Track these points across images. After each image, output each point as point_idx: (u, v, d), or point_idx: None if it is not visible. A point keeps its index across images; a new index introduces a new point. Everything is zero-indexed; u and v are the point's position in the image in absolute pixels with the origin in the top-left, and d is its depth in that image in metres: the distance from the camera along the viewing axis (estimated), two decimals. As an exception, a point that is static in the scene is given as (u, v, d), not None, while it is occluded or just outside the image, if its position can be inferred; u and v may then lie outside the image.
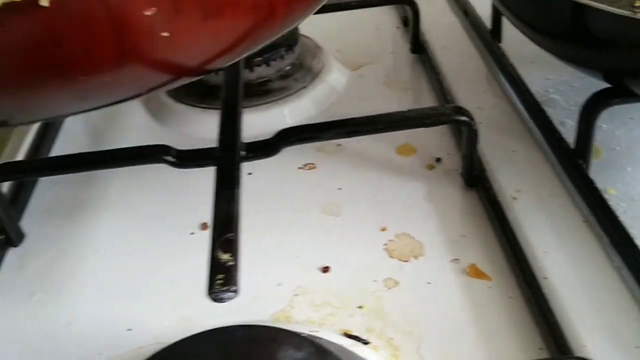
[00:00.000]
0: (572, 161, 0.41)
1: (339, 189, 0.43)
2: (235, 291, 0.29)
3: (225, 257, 0.31)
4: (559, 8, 0.37)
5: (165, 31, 0.24)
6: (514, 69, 0.51)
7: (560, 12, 0.38)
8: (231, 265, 0.30)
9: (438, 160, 0.45)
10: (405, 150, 0.46)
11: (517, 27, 0.43)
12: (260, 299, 0.36)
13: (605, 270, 0.35)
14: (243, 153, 0.37)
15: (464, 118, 0.39)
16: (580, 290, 0.34)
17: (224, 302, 0.29)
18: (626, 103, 0.39)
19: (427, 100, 0.51)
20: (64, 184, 0.46)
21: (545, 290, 0.34)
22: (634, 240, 0.35)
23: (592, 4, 0.34)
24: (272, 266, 0.38)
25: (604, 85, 0.39)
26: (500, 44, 0.54)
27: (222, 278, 0.30)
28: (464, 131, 0.40)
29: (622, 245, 0.35)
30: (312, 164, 0.46)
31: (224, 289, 0.29)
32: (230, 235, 0.32)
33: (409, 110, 0.39)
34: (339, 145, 0.47)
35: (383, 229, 0.40)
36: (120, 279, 0.39)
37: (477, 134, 0.40)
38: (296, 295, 0.36)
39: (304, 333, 0.31)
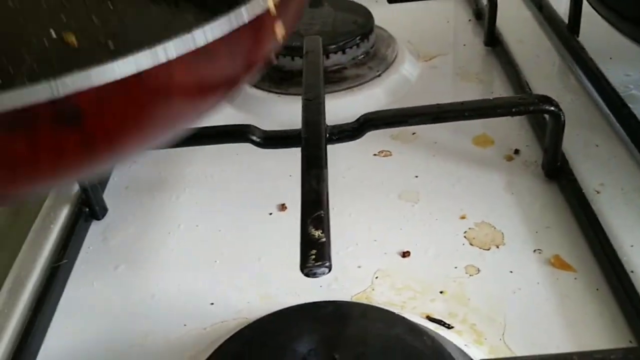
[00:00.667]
0: (658, 157, 0.40)
1: (416, 176, 0.43)
2: (328, 266, 0.30)
3: (317, 233, 0.31)
4: None
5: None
6: (593, 63, 0.50)
7: None
8: (323, 242, 0.31)
9: (516, 151, 0.44)
10: (481, 141, 0.46)
11: (604, 16, 0.43)
12: (340, 280, 0.36)
13: (697, 267, 0.34)
14: (327, 135, 0.37)
15: (552, 108, 0.39)
16: (671, 286, 0.33)
17: (317, 277, 0.29)
18: None
19: (501, 92, 0.51)
20: (143, 162, 0.47)
21: (635, 283, 0.33)
22: None
23: None
24: (352, 249, 0.38)
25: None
26: (578, 38, 0.53)
27: (314, 254, 0.30)
28: (549, 122, 0.39)
29: None
30: (387, 151, 0.46)
31: (318, 264, 0.30)
32: (320, 212, 0.32)
33: (496, 99, 0.39)
34: (414, 133, 0.47)
35: (463, 217, 0.40)
36: (201, 255, 0.39)
37: (564, 124, 0.39)
38: (377, 278, 0.36)
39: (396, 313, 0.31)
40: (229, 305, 0.36)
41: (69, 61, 0.30)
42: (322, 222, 0.32)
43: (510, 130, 0.46)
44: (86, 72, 0.17)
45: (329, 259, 0.30)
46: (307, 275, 0.30)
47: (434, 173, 0.43)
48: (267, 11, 0.22)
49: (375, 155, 0.46)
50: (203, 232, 0.41)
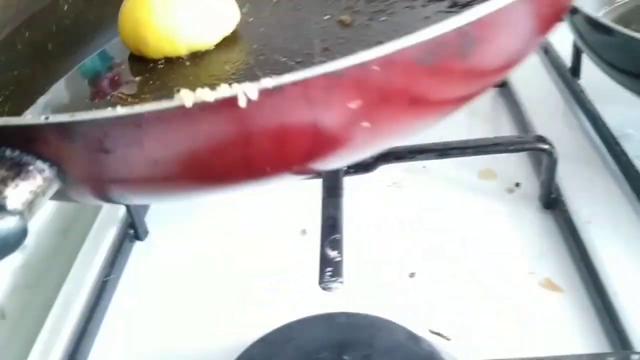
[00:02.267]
0: (644, 191, 0.44)
1: (425, 209, 0.48)
2: (341, 282, 0.35)
3: (333, 254, 0.36)
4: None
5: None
6: (591, 104, 0.54)
7: None
8: (338, 261, 0.36)
9: (517, 184, 0.49)
10: (486, 174, 0.50)
11: (599, 66, 0.47)
12: (355, 295, 0.41)
13: (672, 290, 0.38)
14: (345, 168, 0.42)
15: (545, 146, 0.43)
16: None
17: (332, 291, 0.34)
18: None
19: (506, 130, 0.55)
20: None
21: (616, 304, 0.37)
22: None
23: None
24: (367, 269, 0.43)
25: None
26: (579, 81, 0.58)
27: (330, 271, 0.35)
28: (544, 158, 0.44)
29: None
30: (399, 183, 0.51)
31: (332, 279, 0.35)
32: (336, 236, 0.37)
33: (496, 137, 0.44)
34: (424, 167, 0.52)
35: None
36: (231, 271, 0.44)
37: (556, 161, 0.44)
38: (387, 295, 0.41)
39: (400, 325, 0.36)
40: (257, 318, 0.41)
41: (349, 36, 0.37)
42: (338, 244, 0.37)
43: (513, 165, 0.50)
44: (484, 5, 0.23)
45: (342, 276, 0.35)
46: (324, 289, 0.35)
47: (441, 203, 0.48)
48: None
49: (389, 186, 0.51)
50: (231, 251, 0.46)
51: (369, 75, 0.22)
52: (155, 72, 0.38)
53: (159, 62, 0.38)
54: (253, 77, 0.23)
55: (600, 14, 0.56)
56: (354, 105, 0.23)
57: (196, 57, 0.38)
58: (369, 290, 0.41)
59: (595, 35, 0.44)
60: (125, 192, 0.29)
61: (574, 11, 0.45)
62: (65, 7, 0.47)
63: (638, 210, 0.44)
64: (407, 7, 0.39)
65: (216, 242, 0.47)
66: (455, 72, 0.26)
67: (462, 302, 0.40)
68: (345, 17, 0.40)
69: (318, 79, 0.21)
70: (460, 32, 0.23)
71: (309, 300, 0.41)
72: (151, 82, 0.37)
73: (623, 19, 0.56)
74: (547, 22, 0.32)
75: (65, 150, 0.25)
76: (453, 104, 0.29)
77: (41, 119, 0.23)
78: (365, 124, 0.24)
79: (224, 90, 0.21)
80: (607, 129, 0.51)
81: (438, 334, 0.38)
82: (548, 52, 0.64)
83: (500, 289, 0.40)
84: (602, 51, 0.46)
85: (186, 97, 0.21)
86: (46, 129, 0.24)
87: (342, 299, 0.40)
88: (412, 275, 0.42)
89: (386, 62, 0.22)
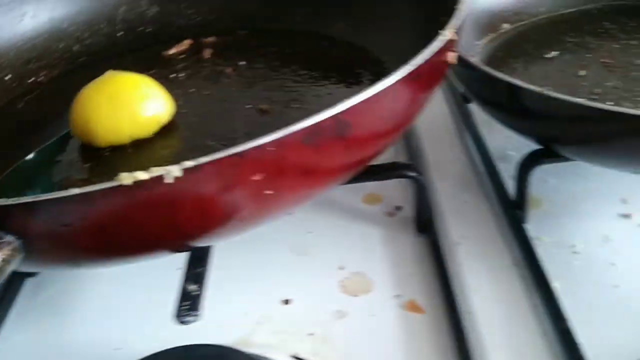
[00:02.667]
0: (510, 211, 0.47)
1: (309, 232, 0.50)
2: (197, 315, 0.36)
3: (192, 287, 0.38)
4: (498, 87, 0.43)
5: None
6: (476, 127, 0.57)
7: (500, 91, 0.43)
8: (196, 295, 0.37)
9: (398, 208, 0.51)
10: (370, 199, 0.52)
11: (472, 99, 0.50)
12: (226, 325, 0.42)
13: (524, 307, 0.40)
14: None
15: (413, 174, 0.45)
16: (498, 324, 0.39)
17: (188, 324, 0.36)
18: (554, 162, 0.44)
19: (398, 152, 0.57)
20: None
21: (467, 323, 0.39)
22: (549, 281, 0.40)
23: (523, 85, 0.39)
24: (242, 298, 0.44)
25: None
26: (468, 105, 0.60)
27: (187, 305, 0.36)
28: (413, 185, 0.46)
29: (539, 285, 0.40)
30: (289, 210, 0.52)
31: (188, 313, 0.36)
32: (199, 269, 0.39)
33: (369, 166, 0.45)
34: (315, 193, 0.53)
35: (341, 268, 0.46)
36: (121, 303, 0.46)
37: (424, 187, 0.46)
38: (259, 323, 0.42)
39: (255, 354, 0.37)
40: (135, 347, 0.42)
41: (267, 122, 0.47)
42: (200, 277, 0.38)
43: (395, 189, 0.52)
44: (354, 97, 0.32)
45: (198, 309, 0.36)
46: (180, 323, 0.36)
47: (325, 229, 0.50)
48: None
49: (278, 213, 0.52)
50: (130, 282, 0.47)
51: (265, 154, 0.30)
52: (102, 159, 0.45)
53: (106, 151, 0.45)
54: (186, 160, 0.29)
55: (485, 41, 0.59)
56: (257, 177, 0.31)
57: (138, 144, 0.45)
58: (241, 320, 0.43)
59: (458, 68, 0.46)
60: (80, 259, 0.36)
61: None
62: (21, 105, 0.56)
63: (504, 230, 0.46)
64: (314, 95, 0.50)
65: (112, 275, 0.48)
66: (336, 149, 0.34)
67: (328, 328, 0.41)
68: (264, 106, 0.49)
69: (227, 158, 0.29)
70: (334, 119, 0.32)
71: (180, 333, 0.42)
72: (99, 167, 0.44)
73: (505, 46, 0.59)
74: (418, 102, 0.37)
75: (29, 226, 0.30)
76: (342, 173, 0.38)
77: (9, 201, 0.29)
78: (268, 192, 0.32)
79: (155, 171, 0.28)
80: (487, 150, 0.53)
81: (301, 359, 0.39)
82: (445, 78, 0.66)
83: (366, 312, 0.42)
84: (471, 86, 0.48)
85: (125, 178, 0.28)
86: (13, 208, 0.29)
87: (212, 330, 0.42)
88: (286, 302, 0.44)
89: (278, 144, 0.30)
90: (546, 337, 0.38)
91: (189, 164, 0.29)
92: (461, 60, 0.43)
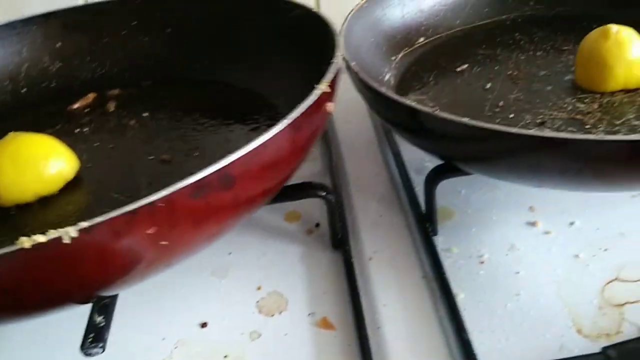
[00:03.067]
0: (422, 224, 0.48)
1: (229, 254, 0.50)
2: (102, 347, 0.37)
3: (99, 319, 0.38)
4: (399, 109, 0.44)
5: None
6: (395, 141, 0.58)
7: (401, 112, 0.44)
8: (102, 327, 0.38)
9: (317, 225, 0.52)
10: (292, 217, 0.53)
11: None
12: (145, 351, 0.43)
13: (431, 320, 0.42)
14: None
15: (323, 193, 0.46)
16: (406, 338, 0.41)
17: (92, 356, 0.36)
18: (457, 177, 0.46)
19: (320, 167, 0.58)
20: None
21: (375, 339, 0.40)
22: (454, 293, 0.42)
23: (419, 108, 0.41)
24: (161, 322, 0.45)
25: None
26: (389, 119, 0.62)
27: (92, 337, 0.37)
28: (326, 203, 0.47)
29: (445, 298, 0.42)
30: (211, 231, 0.53)
31: (93, 345, 0.36)
32: (106, 300, 0.39)
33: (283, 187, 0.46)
34: (237, 213, 0.54)
35: (259, 288, 0.47)
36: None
37: (335, 207, 0.47)
38: (176, 347, 0.43)
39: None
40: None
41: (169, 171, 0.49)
42: (107, 309, 0.39)
43: (314, 206, 0.53)
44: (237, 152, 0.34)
45: (103, 341, 0.36)
46: (85, 355, 0.36)
47: (245, 250, 0.50)
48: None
49: (201, 235, 0.53)
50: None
51: (157, 210, 0.32)
52: (9, 218, 0.46)
53: (12, 210, 0.46)
54: (92, 214, 0.31)
55: (400, 56, 0.61)
56: (151, 231, 0.33)
57: (45, 201, 0.47)
58: (160, 345, 0.43)
59: (360, 88, 0.47)
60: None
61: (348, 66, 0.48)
62: None
63: (417, 243, 0.48)
64: (214, 143, 0.53)
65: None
66: (224, 200, 0.36)
67: (244, 349, 0.42)
68: (166, 156, 0.51)
69: (120, 217, 0.31)
70: (217, 174, 0.34)
71: None
72: (6, 227, 0.45)
73: (419, 60, 0.60)
74: (300, 151, 0.40)
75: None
76: (233, 219, 0.40)
77: None
78: (164, 242, 0.34)
79: (52, 233, 0.30)
80: (403, 164, 0.55)
81: (213, 382, 0.40)
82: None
83: (280, 331, 0.43)
84: (375, 106, 0.49)
85: (25, 242, 0.30)
86: None
87: (131, 356, 0.42)
88: (204, 325, 0.44)
89: (167, 200, 0.32)
90: (449, 348, 0.40)
91: (84, 224, 0.31)
92: (361, 82, 0.45)
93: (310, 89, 0.40)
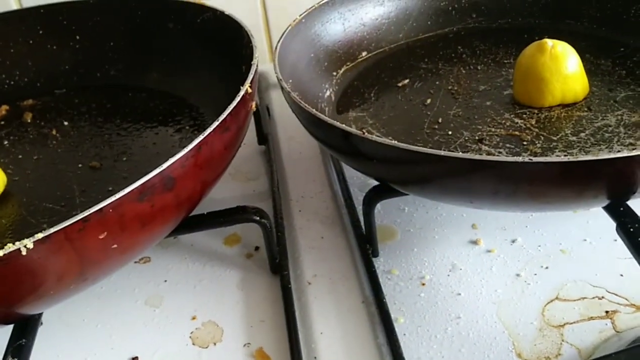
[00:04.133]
0: (362, 245, 0.47)
1: (165, 281, 0.48)
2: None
3: (22, 341, 0.36)
4: (331, 131, 0.42)
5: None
6: (340, 163, 0.57)
7: (333, 134, 0.43)
8: (24, 350, 0.36)
9: (257, 249, 0.50)
10: (231, 240, 0.52)
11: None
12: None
13: (369, 348, 0.40)
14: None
15: (258, 218, 0.45)
16: (342, 368, 0.39)
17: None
18: (393, 197, 0.45)
19: (263, 191, 0.57)
20: None
21: (313, 368, 0.39)
22: (394, 318, 0.41)
23: (349, 130, 0.39)
24: (89, 356, 0.42)
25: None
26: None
27: (13, 361, 0.35)
28: (262, 228, 0.46)
29: (383, 324, 0.41)
30: (147, 257, 0.51)
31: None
32: (23, 340, 0.37)
33: (208, 213, 0.44)
34: (175, 238, 0.52)
35: (193, 318, 0.45)
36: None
37: (271, 231, 0.45)
38: (104, 384, 0.41)
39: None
40: None
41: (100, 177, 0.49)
42: (22, 351, 0.37)
43: (255, 228, 0.51)
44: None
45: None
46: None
47: (181, 276, 0.49)
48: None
49: (136, 262, 0.51)
50: None
51: (107, 216, 0.33)
52: None
53: None
54: (28, 226, 0.35)
55: (342, 71, 0.59)
56: (102, 236, 0.34)
57: None
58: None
59: (292, 108, 0.46)
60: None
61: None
62: None
63: (357, 265, 0.47)
64: (141, 146, 0.53)
65: None
66: (167, 200, 0.38)
67: (174, 385, 0.40)
68: (95, 163, 0.51)
69: (73, 225, 0.32)
70: (160, 176, 0.35)
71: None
72: None
73: (362, 75, 0.59)
74: (231, 147, 0.44)
75: None
76: (176, 217, 0.41)
77: None
78: (114, 246, 0.35)
79: (9, 246, 0.31)
80: (345, 182, 0.54)
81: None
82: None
83: (214, 365, 0.41)
84: (312, 129, 0.47)
85: None
86: None
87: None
88: (134, 359, 0.42)
89: (116, 205, 0.34)
90: (386, 377, 0.38)
91: (39, 235, 0.31)
92: (294, 103, 0.43)
93: (229, 88, 0.42)
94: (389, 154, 0.36)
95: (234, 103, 0.40)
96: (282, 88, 0.45)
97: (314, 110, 0.40)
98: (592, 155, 0.33)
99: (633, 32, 0.57)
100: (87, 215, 0.32)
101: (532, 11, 0.63)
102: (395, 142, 0.36)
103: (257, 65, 0.46)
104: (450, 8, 0.65)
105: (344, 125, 0.38)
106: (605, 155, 0.32)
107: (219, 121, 0.39)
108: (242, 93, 0.41)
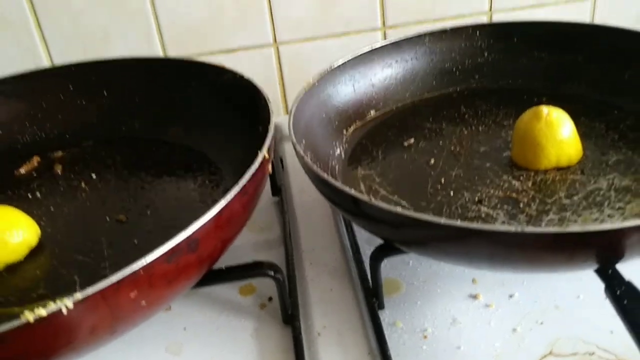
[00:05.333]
0: (368, 298, 0.50)
1: (184, 329, 0.52)
2: None
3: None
4: (340, 194, 0.46)
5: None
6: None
7: (342, 197, 0.46)
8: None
9: (270, 299, 0.53)
10: (246, 290, 0.55)
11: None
12: None
13: (374, 397, 0.43)
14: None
15: (272, 273, 0.48)
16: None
17: None
18: (398, 255, 0.48)
19: (275, 241, 0.60)
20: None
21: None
22: (396, 371, 0.44)
23: (362, 198, 0.43)
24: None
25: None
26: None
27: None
28: (275, 281, 0.49)
29: (388, 376, 0.44)
30: (168, 306, 0.54)
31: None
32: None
33: (227, 268, 0.48)
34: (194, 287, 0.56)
35: (209, 366, 0.48)
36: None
37: (284, 285, 0.49)
38: None
39: None
40: None
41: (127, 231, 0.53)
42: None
43: (269, 280, 0.55)
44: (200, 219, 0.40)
45: None
46: None
47: (199, 324, 0.52)
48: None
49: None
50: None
51: (138, 277, 0.37)
52: None
53: None
54: (60, 277, 0.39)
55: (352, 129, 0.63)
56: (133, 295, 0.38)
57: (12, 269, 0.50)
58: None
59: (304, 169, 0.50)
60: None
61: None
62: None
63: (364, 318, 0.50)
64: (163, 199, 0.56)
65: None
66: (191, 260, 0.41)
67: None
68: (121, 217, 0.55)
69: (110, 286, 0.36)
70: (186, 240, 0.39)
71: None
72: None
73: (370, 134, 0.63)
74: (250, 207, 0.48)
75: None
76: (199, 274, 0.45)
77: None
78: (143, 302, 0.39)
79: (51, 306, 0.34)
80: (354, 237, 0.57)
81: None
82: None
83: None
84: (312, 182, 0.51)
85: (28, 316, 0.33)
86: None
87: None
88: (155, 405, 0.45)
89: (147, 267, 0.37)
90: None
91: (79, 296, 0.35)
92: (306, 166, 0.47)
93: (246, 145, 0.47)
94: (393, 219, 0.39)
95: (253, 169, 0.44)
96: (297, 152, 0.49)
97: (326, 175, 0.44)
98: (580, 226, 0.36)
99: (626, 95, 0.61)
100: (122, 278, 0.36)
101: (531, 73, 0.67)
102: (399, 209, 0.39)
103: (273, 132, 0.49)
104: (454, 69, 0.69)
105: (353, 190, 0.42)
106: (592, 227, 0.35)
107: (240, 187, 0.42)
108: (259, 159, 0.45)
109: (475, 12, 0.88)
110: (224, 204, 0.41)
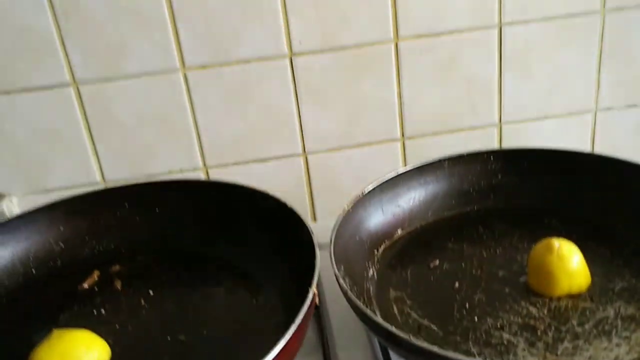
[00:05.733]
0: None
1: None
2: None
3: None
4: (379, 328, 0.53)
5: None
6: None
7: (381, 330, 0.53)
8: None
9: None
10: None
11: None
12: None
13: None
14: None
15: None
16: None
17: None
18: None
19: (313, 350, 0.66)
20: None
21: None
22: None
23: (396, 332, 0.50)
24: None
25: None
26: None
27: None
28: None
29: None
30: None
31: None
32: None
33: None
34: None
35: None
36: None
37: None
38: None
39: None
40: None
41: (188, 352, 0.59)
42: None
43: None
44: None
45: None
46: None
47: None
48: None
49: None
50: None
51: None
52: None
53: None
54: None
55: (382, 249, 0.70)
56: None
57: None
58: None
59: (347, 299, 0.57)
60: None
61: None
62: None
63: None
64: (215, 317, 0.64)
65: None
66: None
67: None
68: (182, 337, 0.60)
69: None
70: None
71: None
72: None
73: (398, 254, 0.70)
74: (300, 339, 0.54)
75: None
76: None
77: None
78: None
79: None
80: (389, 356, 0.63)
81: None
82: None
83: None
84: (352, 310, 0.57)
85: None
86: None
87: None
88: None
89: None
90: None
91: None
92: (349, 300, 0.54)
93: (287, 266, 0.60)
94: (425, 353, 0.46)
95: (305, 307, 0.50)
96: (340, 286, 0.56)
97: (368, 310, 0.51)
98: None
99: (630, 221, 0.68)
100: None
101: (541, 195, 0.74)
102: (427, 344, 0.46)
103: (319, 268, 0.56)
104: (471, 189, 0.76)
105: (394, 328, 0.49)
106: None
107: (296, 325, 0.48)
108: (310, 297, 0.52)
109: (486, 124, 0.96)
110: (283, 344, 0.46)
